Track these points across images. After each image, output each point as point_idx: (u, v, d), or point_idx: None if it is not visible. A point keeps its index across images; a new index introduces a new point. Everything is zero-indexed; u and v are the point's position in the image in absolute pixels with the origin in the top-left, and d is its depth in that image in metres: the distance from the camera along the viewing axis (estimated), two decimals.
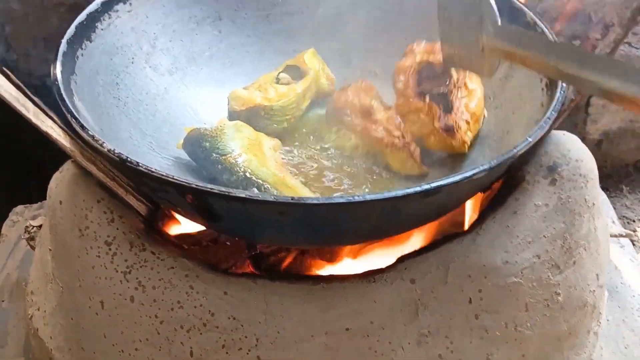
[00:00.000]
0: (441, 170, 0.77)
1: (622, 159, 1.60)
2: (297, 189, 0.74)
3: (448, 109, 0.77)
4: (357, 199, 0.54)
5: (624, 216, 1.53)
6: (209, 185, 0.55)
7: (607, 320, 1.03)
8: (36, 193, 1.23)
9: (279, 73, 0.90)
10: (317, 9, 0.95)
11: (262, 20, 0.94)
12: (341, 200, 0.54)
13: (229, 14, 0.92)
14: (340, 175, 0.79)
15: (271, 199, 0.55)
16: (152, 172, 0.56)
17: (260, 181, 0.73)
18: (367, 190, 0.76)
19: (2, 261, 1.08)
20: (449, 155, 0.78)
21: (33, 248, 0.95)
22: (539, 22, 0.75)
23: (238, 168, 0.74)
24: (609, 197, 1.48)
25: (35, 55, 1.38)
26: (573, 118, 1.50)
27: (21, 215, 1.17)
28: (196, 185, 0.55)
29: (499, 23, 0.64)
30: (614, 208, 1.36)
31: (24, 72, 1.40)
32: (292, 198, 0.55)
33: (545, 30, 0.74)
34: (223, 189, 0.55)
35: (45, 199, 1.18)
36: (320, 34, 0.95)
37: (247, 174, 0.73)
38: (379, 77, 0.93)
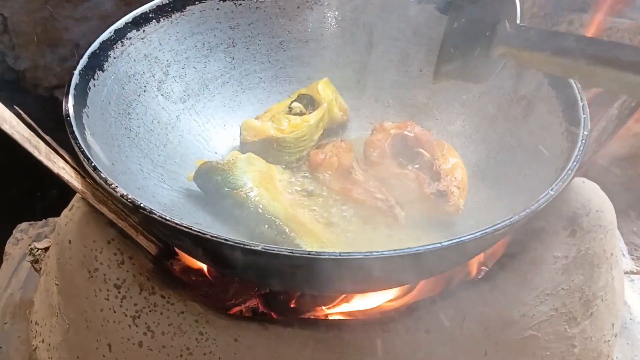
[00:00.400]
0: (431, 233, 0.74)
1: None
2: (309, 226, 0.73)
3: (435, 177, 0.77)
4: (375, 255, 0.53)
5: (631, 242, 1.51)
6: (224, 237, 0.53)
7: (616, 358, 1.02)
8: (40, 209, 1.22)
9: (292, 102, 0.89)
10: (331, 38, 0.94)
11: (275, 47, 0.92)
12: (359, 256, 0.53)
13: (242, 40, 0.91)
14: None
15: (287, 252, 0.53)
16: (167, 220, 0.54)
17: (272, 217, 0.72)
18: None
19: (5, 281, 1.06)
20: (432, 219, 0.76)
21: (37, 271, 0.94)
22: None
23: (249, 203, 0.72)
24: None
25: (42, 66, 1.37)
26: None
27: (25, 233, 1.16)
28: (211, 236, 0.54)
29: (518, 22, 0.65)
30: (622, 234, 1.34)
31: (31, 82, 1.39)
32: (309, 252, 0.54)
33: None
34: (239, 241, 0.53)
35: (48, 215, 1.18)
36: (334, 62, 0.94)
37: (259, 210, 0.72)
38: (391, 108, 0.92)
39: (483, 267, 0.73)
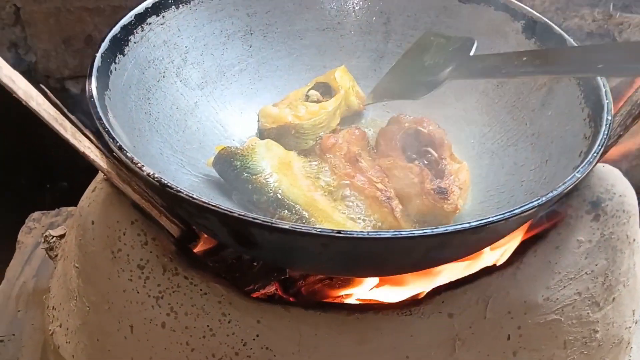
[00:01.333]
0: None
1: None
2: (329, 212, 0.73)
3: (439, 175, 0.77)
4: (404, 234, 0.53)
5: None
6: (252, 215, 0.53)
7: (631, 347, 1.02)
8: (50, 199, 1.22)
9: (309, 90, 0.89)
10: (348, 26, 0.94)
11: (292, 35, 0.92)
12: (387, 235, 0.53)
13: (260, 28, 0.91)
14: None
15: (315, 231, 0.53)
16: (194, 198, 0.54)
17: (291, 203, 0.71)
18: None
19: (18, 269, 1.06)
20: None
21: (52, 258, 0.94)
22: None
23: (269, 188, 0.72)
24: None
25: (54, 57, 1.37)
26: None
27: (38, 222, 1.16)
28: (239, 214, 0.53)
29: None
30: None
31: (43, 74, 1.39)
32: (338, 231, 0.53)
33: None
34: (266, 219, 0.53)
35: (60, 205, 1.18)
36: (351, 50, 0.94)
37: (278, 195, 0.72)
38: None
39: (506, 252, 0.72)
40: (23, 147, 1.33)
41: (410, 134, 0.82)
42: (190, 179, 0.76)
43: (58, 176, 1.37)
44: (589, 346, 0.68)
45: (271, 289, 0.77)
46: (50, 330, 0.80)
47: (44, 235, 0.95)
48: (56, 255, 0.90)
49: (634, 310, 0.72)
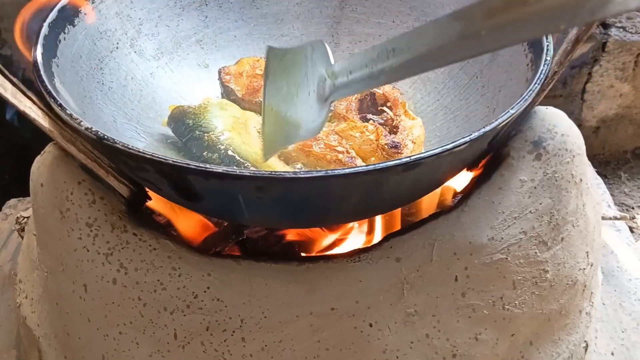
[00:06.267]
0: None
1: (620, 146, 1.59)
2: (278, 169, 0.73)
3: (393, 131, 0.79)
4: (336, 172, 0.54)
5: (622, 203, 1.51)
6: (186, 161, 0.54)
7: (604, 304, 1.02)
8: (28, 190, 1.23)
9: None
10: None
11: (248, 4, 0.93)
12: (320, 174, 0.54)
13: None
14: None
15: (249, 173, 0.54)
16: (130, 149, 0.55)
17: (241, 160, 0.72)
18: None
19: None
20: None
21: (23, 238, 0.95)
22: None
23: (220, 145, 0.73)
24: (607, 184, 1.47)
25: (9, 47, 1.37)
26: (569, 105, 1.49)
27: (14, 209, 1.17)
28: (173, 161, 0.54)
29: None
30: (613, 195, 1.35)
31: (18, 67, 1.40)
32: (270, 173, 0.54)
33: None
34: (200, 164, 0.54)
35: None
36: (307, 18, 0.95)
37: (229, 152, 0.73)
38: None
39: (453, 198, 0.73)
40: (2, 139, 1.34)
41: (366, 96, 0.83)
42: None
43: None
44: (540, 286, 0.68)
45: (231, 251, 0.78)
46: (18, 302, 0.82)
47: (16, 217, 0.96)
48: None
49: (587, 252, 0.73)
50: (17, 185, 1.37)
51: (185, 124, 0.74)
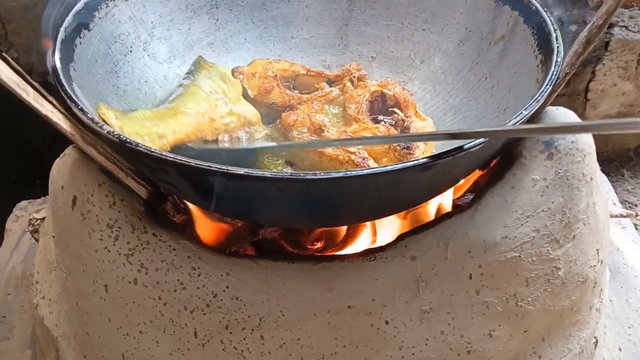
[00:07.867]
0: None
1: (623, 144, 1.61)
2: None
3: (404, 132, 0.79)
4: (355, 173, 0.55)
5: (625, 200, 1.53)
6: (208, 163, 0.55)
7: (611, 300, 1.03)
8: (39, 189, 1.24)
9: None
10: None
11: (258, 7, 0.94)
12: (339, 175, 0.55)
13: (225, 2, 0.92)
14: None
15: (270, 175, 0.55)
16: (153, 152, 0.56)
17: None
18: None
19: (7, 255, 1.09)
20: None
21: (37, 240, 0.96)
22: None
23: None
24: (611, 181, 1.48)
25: (36, 51, 1.38)
26: (572, 104, 1.50)
27: (25, 210, 1.18)
28: (196, 163, 0.55)
29: None
30: (616, 193, 1.36)
31: (25, 68, 1.40)
32: (291, 174, 0.55)
33: None
34: (222, 166, 0.55)
35: (47, 194, 1.20)
36: (316, 20, 0.96)
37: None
38: (375, 61, 0.94)
39: (465, 197, 0.74)
40: (11, 142, 1.35)
41: (377, 97, 0.84)
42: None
43: (47, 165, 1.40)
44: (552, 283, 0.70)
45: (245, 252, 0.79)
46: (35, 303, 0.82)
47: (29, 218, 0.97)
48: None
49: (597, 250, 0.74)
50: (24, 185, 1.38)
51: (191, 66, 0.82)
